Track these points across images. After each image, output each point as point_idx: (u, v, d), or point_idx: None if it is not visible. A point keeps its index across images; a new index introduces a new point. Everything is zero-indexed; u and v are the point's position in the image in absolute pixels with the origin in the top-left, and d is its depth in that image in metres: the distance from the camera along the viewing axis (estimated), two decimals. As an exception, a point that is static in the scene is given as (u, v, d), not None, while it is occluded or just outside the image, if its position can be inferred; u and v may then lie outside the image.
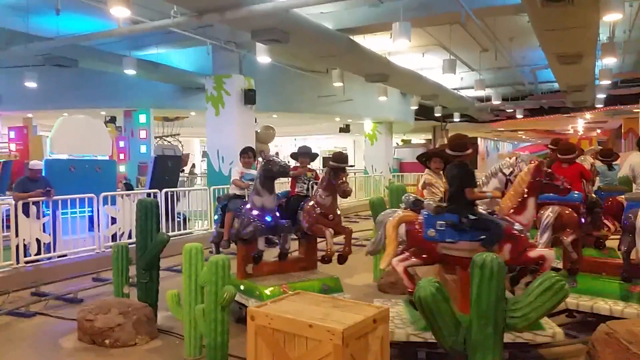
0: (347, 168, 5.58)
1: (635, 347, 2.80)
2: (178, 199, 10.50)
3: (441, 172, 5.18)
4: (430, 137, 29.79)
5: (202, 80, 11.92)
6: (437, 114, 21.34)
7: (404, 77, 13.91)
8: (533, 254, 4.06)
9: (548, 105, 21.82)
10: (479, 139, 36.16)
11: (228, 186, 10.97)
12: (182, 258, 4.36)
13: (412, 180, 19.16)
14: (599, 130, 32.17)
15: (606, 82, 13.26)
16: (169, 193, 9.76)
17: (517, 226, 4.14)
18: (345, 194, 5.42)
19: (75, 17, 10.06)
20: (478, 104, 21.69)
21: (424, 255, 4.31)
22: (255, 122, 13.80)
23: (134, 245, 5.43)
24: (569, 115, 22.31)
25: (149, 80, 13.10)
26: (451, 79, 16.62)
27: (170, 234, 9.54)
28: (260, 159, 5.37)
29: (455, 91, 19.13)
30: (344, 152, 6.54)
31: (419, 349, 4.26)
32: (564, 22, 7.92)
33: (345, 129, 22.63)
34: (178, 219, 10.20)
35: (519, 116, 22.10)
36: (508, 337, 3.73)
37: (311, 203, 5.52)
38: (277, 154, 6.18)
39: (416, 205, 4.54)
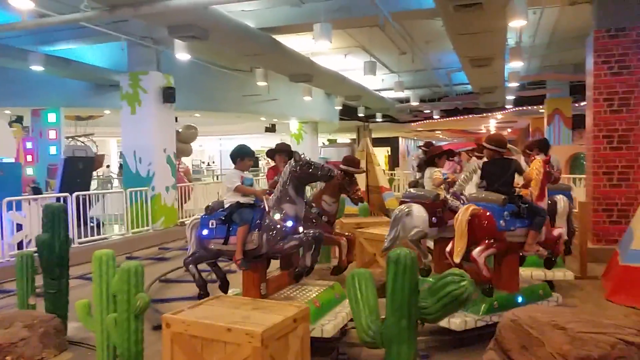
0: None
1: (535, 331, 2.99)
2: (91, 203, 9.95)
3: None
4: (354, 136, 30.42)
5: (117, 77, 11.36)
6: (361, 114, 21.84)
7: (328, 78, 14.08)
8: (555, 232, 5.05)
9: (462, 106, 23.00)
10: (400, 139, 37.41)
11: (145, 188, 10.71)
12: (92, 265, 4.11)
13: (337, 179, 19.44)
14: (509, 130, 34.31)
15: (514, 84, 14.17)
16: (81, 197, 9.23)
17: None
18: (358, 201, 5.30)
19: (-27, 8, 9.25)
20: (398, 104, 22.41)
21: (497, 245, 4.60)
22: (176, 121, 13.38)
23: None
24: (481, 115, 23.61)
25: (60, 77, 12.31)
26: (373, 81, 17.04)
27: (82, 240, 9.13)
28: (292, 161, 4.57)
29: (377, 92, 19.64)
30: (355, 157, 5.92)
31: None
32: (474, 26, 8.36)
33: (271, 129, 22.55)
34: (91, 224, 9.68)
35: (436, 117, 23.09)
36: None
37: (314, 210, 5.19)
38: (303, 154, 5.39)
39: (437, 199, 5.29)
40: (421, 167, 6.25)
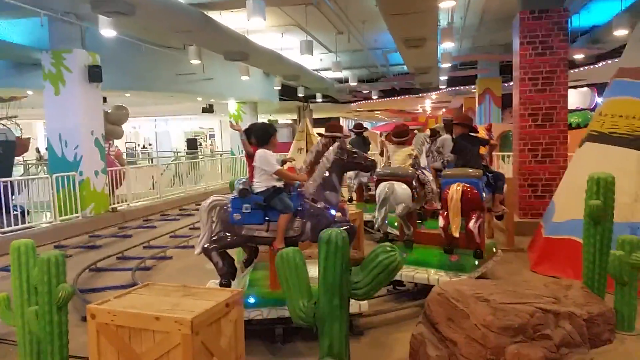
0: None
1: (461, 304, 3.10)
2: (13, 190, 9.35)
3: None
4: (295, 117, 30.30)
5: (38, 56, 10.62)
6: (301, 95, 21.72)
7: (264, 57, 13.83)
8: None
9: (399, 87, 23.41)
10: (341, 119, 37.67)
11: (72, 173, 10.16)
12: (10, 256, 3.85)
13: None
14: (444, 110, 35.35)
15: (447, 64, 14.51)
16: (1, 183, 8.64)
17: None
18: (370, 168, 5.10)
19: None
20: (337, 85, 22.47)
21: (483, 214, 5.21)
22: (105, 101, 12.74)
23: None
24: (418, 95, 24.14)
25: (-27, 55, 11.38)
26: (311, 60, 16.96)
27: (5, 229, 8.58)
28: (336, 149, 4.41)
29: (316, 72, 19.57)
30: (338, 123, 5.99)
31: (276, 326, 4.33)
32: (406, 6, 8.44)
33: (208, 109, 22.03)
34: (15, 212, 9.10)
35: (374, 97, 23.38)
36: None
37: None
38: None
39: (413, 175, 5.59)
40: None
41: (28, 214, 9.91)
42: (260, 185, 4.33)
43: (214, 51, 12.43)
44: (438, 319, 3.23)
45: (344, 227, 3.97)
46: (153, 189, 13.64)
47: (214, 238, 4.37)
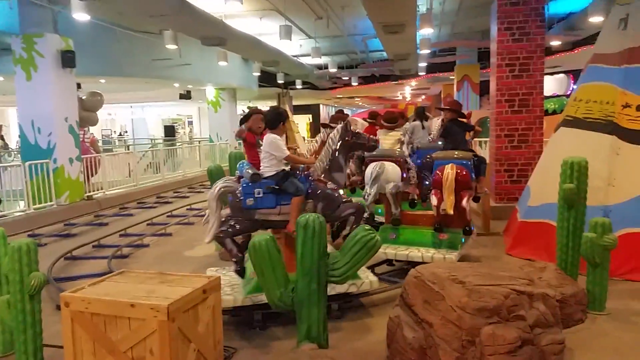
0: None
1: (437, 286, 3.13)
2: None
3: None
4: (275, 103, 30.09)
5: (8, 40, 10.30)
6: (280, 81, 21.53)
7: (243, 42, 13.64)
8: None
9: (379, 73, 23.38)
10: (321, 106, 37.55)
11: (46, 161, 9.94)
12: (-21, 245, 3.76)
13: (258, 147, 19.21)
14: (423, 97, 35.51)
15: (426, 51, 14.53)
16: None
17: None
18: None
19: None
20: (317, 71, 22.34)
21: (472, 193, 5.66)
22: (79, 87, 12.44)
23: None
24: (397, 82, 24.16)
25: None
26: (290, 46, 16.79)
27: (-24, 218, 8.37)
28: (340, 130, 4.54)
29: (295, 58, 19.41)
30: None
31: (255, 311, 4.32)
32: (385, -9, 8.40)
33: (186, 96, 21.69)
34: (-14, 201, 8.89)
35: (354, 84, 23.32)
36: (333, 290, 4.12)
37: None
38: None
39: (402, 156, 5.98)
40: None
41: (0, 202, 9.68)
42: (270, 169, 4.37)
43: (190, 36, 12.22)
44: (414, 302, 3.26)
45: (353, 208, 4.32)
46: (129, 176, 13.43)
47: (227, 225, 4.34)
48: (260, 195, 4.30)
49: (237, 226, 4.34)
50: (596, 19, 9.77)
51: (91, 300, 3.16)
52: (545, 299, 3.34)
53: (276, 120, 4.48)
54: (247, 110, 23.18)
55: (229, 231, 4.33)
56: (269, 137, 4.41)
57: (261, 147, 4.51)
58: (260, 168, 4.46)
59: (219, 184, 4.45)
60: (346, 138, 4.50)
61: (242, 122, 5.20)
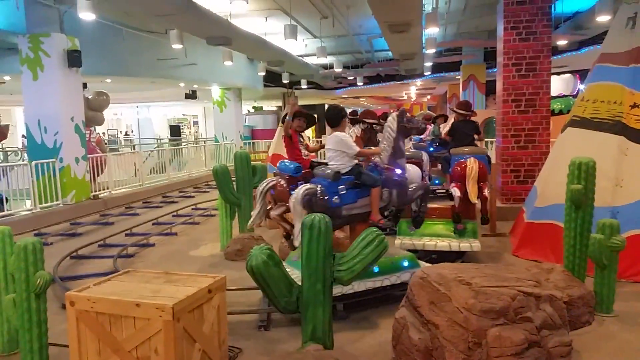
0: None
1: (443, 287, 3.11)
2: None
3: None
4: (280, 103, 30.06)
5: (15, 40, 10.34)
6: (285, 81, 21.52)
7: (248, 41, 13.63)
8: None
9: (384, 73, 23.32)
10: (326, 106, 37.51)
11: (52, 160, 9.97)
12: (-14, 244, 3.77)
13: (264, 147, 19.23)
14: (429, 97, 35.42)
15: (432, 50, 14.47)
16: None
17: None
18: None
19: None
20: (322, 71, 22.31)
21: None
22: (85, 87, 12.50)
23: None
24: (402, 82, 24.10)
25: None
26: (296, 46, 16.78)
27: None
28: (395, 117, 4.86)
29: (300, 58, 19.39)
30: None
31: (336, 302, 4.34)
32: (391, -9, 8.36)
33: (191, 95, 21.72)
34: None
35: (359, 83, 23.27)
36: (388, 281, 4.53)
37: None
38: None
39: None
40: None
41: (7, 201, 9.73)
42: (344, 166, 4.60)
43: (196, 35, 12.23)
44: (420, 303, 3.24)
45: (421, 189, 4.84)
46: (135, 176, 13.47)
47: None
48: (344, 192, 4.47)
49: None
50: (603, 18, 9.69)
51: (96, 300, 3.16)
52: (553, 301, 3.31)
53: (338, 118, 4.76)
54: (252, 110, 23.13)
55: None
56: (338, 136, 4.64)
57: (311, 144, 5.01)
58: (330, 166, 4.65)
59: (302, 190, 4.34)
60: (404, 124, 4.82)
61: (283, 119, 5.46)
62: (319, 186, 4.39)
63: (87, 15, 9.14)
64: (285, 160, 5.09)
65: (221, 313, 3.46)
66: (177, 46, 12.03)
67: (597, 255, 4.27)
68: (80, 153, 10.69)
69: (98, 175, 11.66)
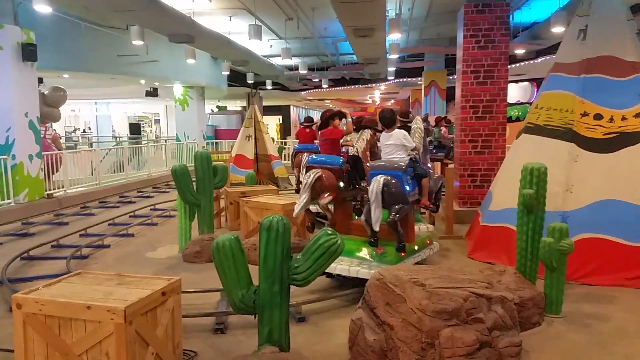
0: None
1: (398, 288, 3.16)
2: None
3: None
4: (245, 103, 29.80)
5: (-35, 31, 9.90)
6: (250, 81, 21.38)
7: (211, 40, 13.47)
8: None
9: (349, 76, 23.49)
10: (291, 107, 37.47)
11: (4, 157, 9.57)
12: None
13: (228, 147, 19.03)
14: (392, 101, 35.89)
15: (395, 55, 14.68)
16: None
17: None
18: None
19: None
20: (287, 72, 22.28)
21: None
22: (41, 82, 12.08)
23: None
24: (367, 86, 24.33)
25: None
26: (260, 46, 16.70)
27: None
28: (420, 120, 6.16)
29: (265, 58, 19.31)
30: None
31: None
32: (355, -5, 8.43)
33: (152, 93, 21.30)
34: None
35: (324, 86, 23.37)
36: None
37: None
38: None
39: None
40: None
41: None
42: (405, 159, 5.31)
43: (158, 32, 12.01)
44: (376, 304, 3.28)
45: (440, 180, 6.02)
46: (92, 175, 13.10)
47: (396, 211, 4.94)
48: (410, 181, 5.22)
49: (405, 210, 5.10)
50: (558, 29, 10.05)
51: (45, 302, 3.06)
52: (504, 302, 3.42)
53: (392, 120, 5.51)
54: (216, 109, 22.85)
55: (400, 216, 5.00)
56: (400, 132, 5.38)
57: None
58: (391, 159, 5.31)
59: (379, 180, 4.96)
60: (425, 127, 5.81)
61: (327, 120, 6.15)
62: (392, 177, 5.01)
63: (42, 8, 8.85)
64: (322, 155, 5.88)
65: (176, 316, 3.41)
66: (138, 42, 11.78)
67: (547, 258, 4.42)
68: (35, 150, 10.32)
69: (53, 173, 11.27)
